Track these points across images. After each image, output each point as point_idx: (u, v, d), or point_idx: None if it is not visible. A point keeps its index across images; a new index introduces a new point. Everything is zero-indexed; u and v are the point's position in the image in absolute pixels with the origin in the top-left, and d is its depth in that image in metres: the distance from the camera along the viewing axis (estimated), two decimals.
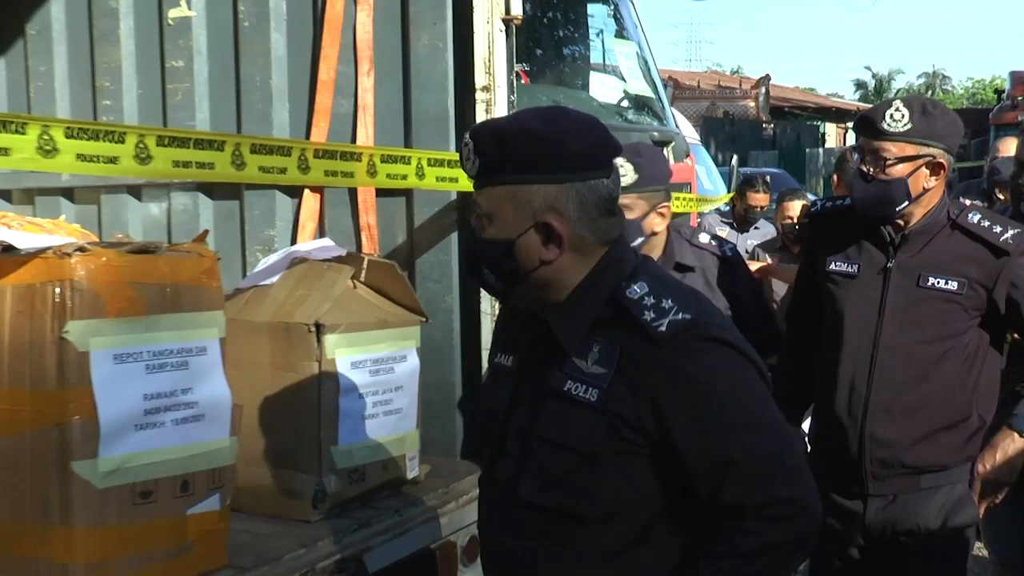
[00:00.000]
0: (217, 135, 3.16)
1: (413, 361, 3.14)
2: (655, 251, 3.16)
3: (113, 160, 2.41)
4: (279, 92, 3.82)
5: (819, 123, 34.75)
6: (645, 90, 6.40)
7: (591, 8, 6.29)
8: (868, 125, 2.75)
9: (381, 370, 3.00)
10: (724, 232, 6.61)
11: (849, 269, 2.83)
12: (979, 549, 4.87)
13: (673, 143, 6.18)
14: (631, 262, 1.92)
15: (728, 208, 7.54)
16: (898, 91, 51.65)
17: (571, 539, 1.88)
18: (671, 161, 6.09)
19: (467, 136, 1.88)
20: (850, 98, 47.53)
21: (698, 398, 1.79)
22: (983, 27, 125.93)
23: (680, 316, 1.80)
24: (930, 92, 52.42)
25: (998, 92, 21.43)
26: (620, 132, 5.69)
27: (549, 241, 1.83)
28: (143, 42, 4.10)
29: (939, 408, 2.74)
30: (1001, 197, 6.07)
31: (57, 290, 2.20)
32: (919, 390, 2.73)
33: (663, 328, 1.79)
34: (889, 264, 2.77)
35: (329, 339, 2.84)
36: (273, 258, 3.26)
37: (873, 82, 52.66)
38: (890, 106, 2.72)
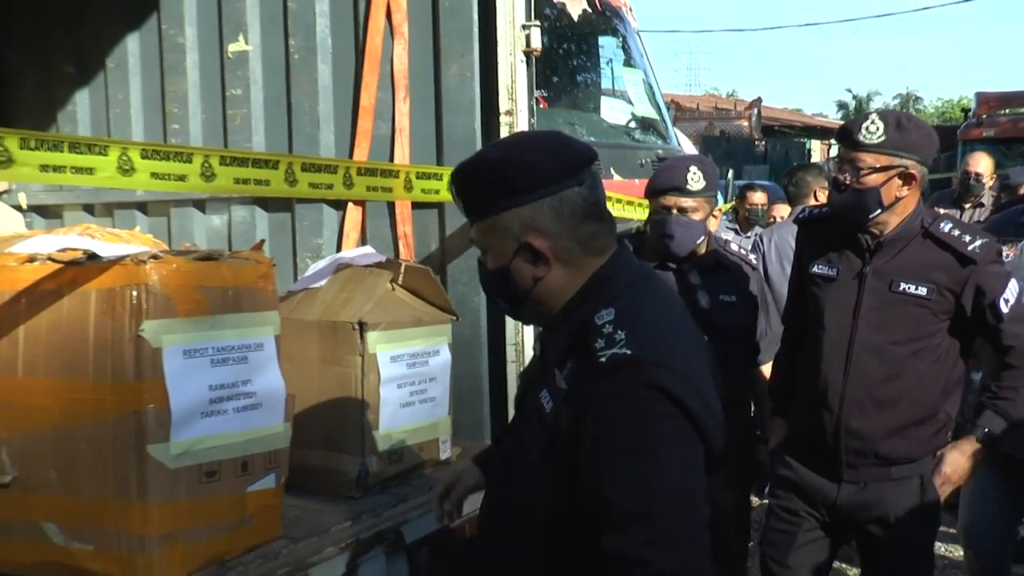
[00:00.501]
0: (272, 155, 3.18)
1: (445, 355, 3.15)
2: (701, 247, 3.18)
3: (182, 178, 2.43)
4: (325, 117, 3.83)
5: (805, 140, 34.47)
6: (651, 112, 6.39)
7: (602, 40, 6.28)
8: (846, 136, 2.68)
9: (417, 363, 3.01)
10: (729, 236, 6.61)
11: (829, 272, 2.77)
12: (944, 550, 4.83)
13: None
14: (619, 283, 1.78)
15: (731, 216, 7.52)
16: (875, 111, 51.33)
17: (521, 535, 1.79)
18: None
19: (449, 180, 1.82)
20: (833, 117, 47.18)
21: (604, 438, 1.63)
22: (952, 52, 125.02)
23: (623, 351, 1.64)
24: (904, 111, 51.98)
25: (965, 111, 21.27)
26: (628, 150, 5.74)
27: (536, 260, 1.74)
28: (206, 73, 4.13)
29: (910, 404, 2.68)
30: (967, 206, 6.04)
31: (134, 293, 2.21)
32: (891, 387, 2.67)
33: (604, 360, 1.65)
34: (865, 269, 2.70)
35: (371, 336, 2.84)
36: (321, 264, 3.28)
37: (853, 103, 52.19)
38: (867, 119, 2.65)
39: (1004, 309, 2.64)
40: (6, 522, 2.30)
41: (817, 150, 33.62)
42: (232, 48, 4.01)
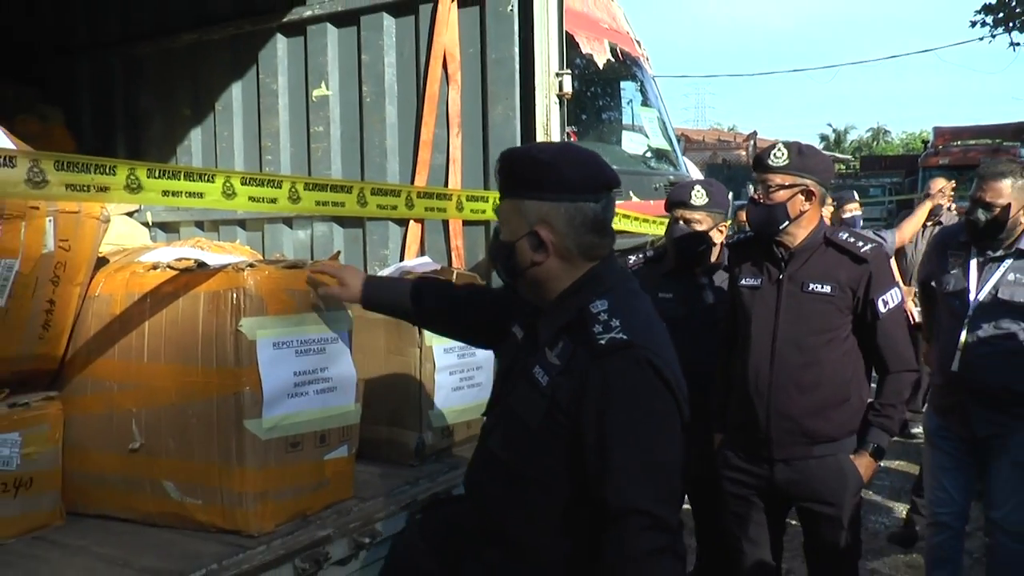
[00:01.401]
0: (347, 182, 3.19)
1: None
2: (713, 255, 3.25)
3: (273, 201, 2.44)
4: (391, 149, 3.83)
5: None
6: (664, 144, 6.37)
7: (623, 84, 6.27)
8: (759, 162, 2.69)
9: (466, 354, 3.00)
10: None
11: (754, 282, 2.77)
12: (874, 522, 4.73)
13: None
14: (609, 281, 1.79)
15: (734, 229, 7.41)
16: (851, 143, 50.38)
17: (514, 491, 1.79)
18: None
19: (497, 160, 1.85)
20: (816, 146, 46.35)
21: (606, 404, 1.65)
22: (915, 93, 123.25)
23: (619, 336, 1.67)
24: (875, 142, 51.00)
25: (925, 142, 21.17)
26: (645, 176, 5.72)
27: (539, 247, 1.76)
28: (295, 114, 4.15)
29: (827, 387, 2.66)
30: (928, 223, 5.89)
31: (234, 295, 2.24)
32: (809, 372, 2.65)
33: (603, 342, 1.67)
34: (781, 276, 2.70)
35: (428, 331, 2.84)
36: (386, 271, 3.29)
37: (833, 135, 51.33)
38: (774, 147, 2.67)
39: (882, 308, 2.64)
40: (136, 479, 2.33)
41: None
42: (316, 93, 4.03)
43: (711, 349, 2.98)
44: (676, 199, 3.22)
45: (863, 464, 2.70)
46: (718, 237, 3.24)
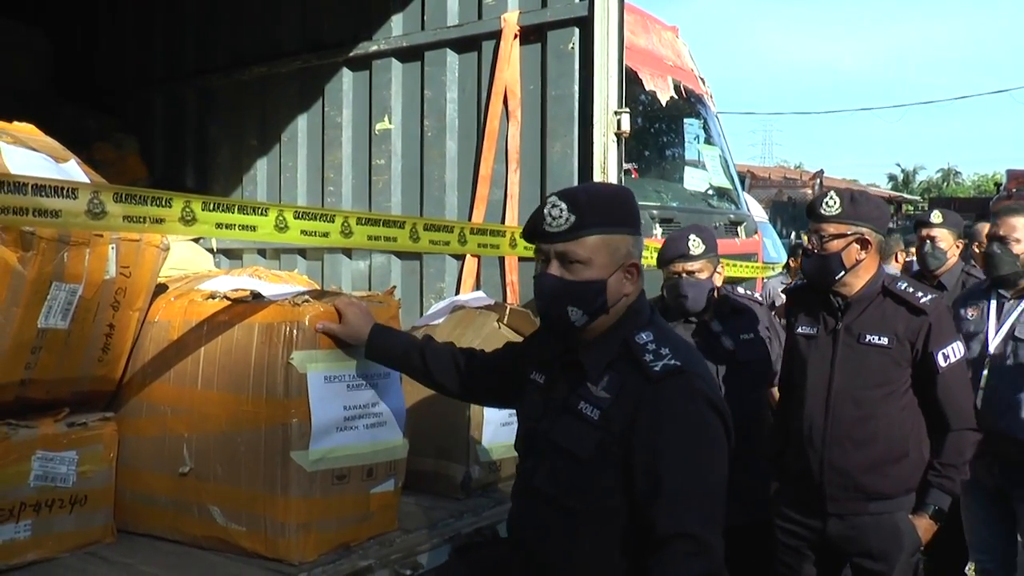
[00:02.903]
0: (399, 217, 3.22)
1: None
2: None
3: (325, 235, 2.46)
4: (451, 183, 3.87)
5: None
6: (725, 183, 6.28)
7: (687, 121, 6.22)
8: (811, 211, 2.63)
9: None
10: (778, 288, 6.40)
11: (811, 331, 2.69)
12: None
13: (745, 223, 6.06)
14: (646, 314, 1.85)
15: (785, 272, 7.23)
16: (920, 183, 49.19)
17: (564, 527, 1.80)
18: (743, 236, 5.99)
19: (555, 199, 1.79)
20: (884, 187, 45.47)
21: (659, 427, 1.68)
22: (987, 134, 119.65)
23: (672, 362, 1.72)
24: (945, 184, 49.75)
25: (997, 185, 20.58)
26: (705, 214, 5.65)
27: (634, 278, 1.82)
28: (357, 146, 4.22)
29: (883, 443, 2.57)
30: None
31: (287, 328, 2.25)
32: (865, 427, 2.57)
33: (657, 368, 1.72)
34: (838, 326, 2.63)
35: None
36: (440, 305, 3.29)
37: (901, 175, 50.24)
38: (826, 195, 2.61)
39: (941, 363, 2.54)
40: (184, 502, 2.36)
41: None
42: (378, 126, 4.09)
43: (742, 396, 2.94)
44: (674, 253, 3.11)
45: (923, 526, 2.59)
46: (718, 279, 3.22)
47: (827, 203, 2.58)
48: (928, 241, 4.00)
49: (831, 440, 2.60)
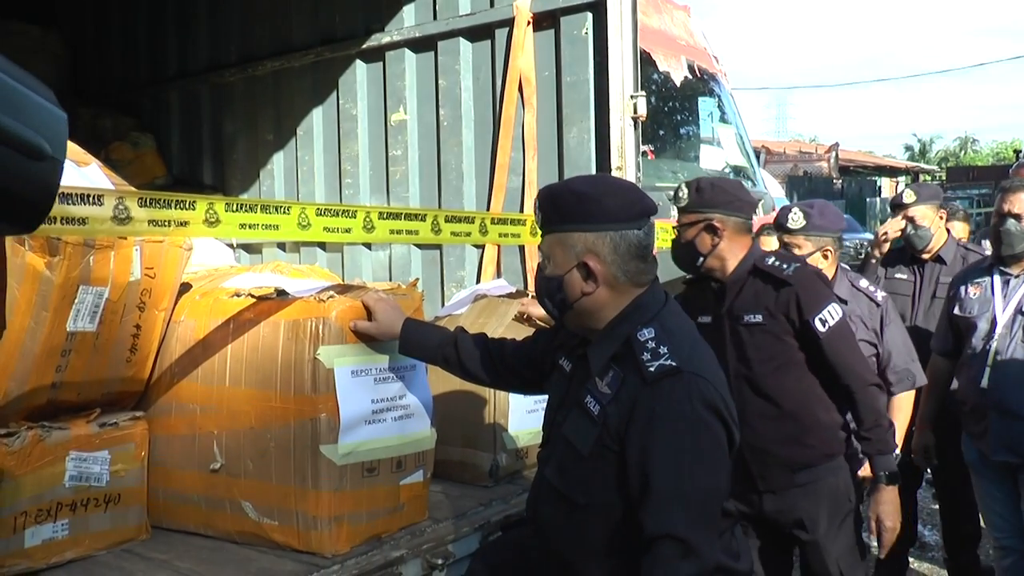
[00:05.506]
0: (421, 210, 3.21)
1: None
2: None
3: (348, 230, 2.45)
4: (468, 172, 3.86)
5: (876, 178, 32.98)
6: (741, 161, 6.24)
7: (701, 100, 6.18)
8: (674, 203, 2.69)
9: None
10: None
11: (706, 320, 2.66)
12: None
13: (762, 200, 6.01)
14: (654, 309, 1.82)
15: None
16: (937, 152, 48.55)
17: (569, 517, 1.82)
18: (761, 214, 5.94)
19: (536, 197, 1.88)
20: (901, 158, 45.01)
21: (651, 428, 1.68)
22: (1006, 101, 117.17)
23: (668, 362, 1.71)
24: (963, 152, 49.08)
25: (1016, 152, 20.18)
26: None
27: (588, 277, 1.79)
28: (374, 138, 4.22)
29: (789, 415, 2.55)
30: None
31: (314, 324, 2.26)
32: (768, 403, 2.56)
33: (652, 369, 1.71)
34: (722, 311, 2.63)
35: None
36: (462, 294, 3.29)
37: (918, 145, 49.61)
38: (678, 189, 2.64)
39: (820, 328, 2.51)
40: (216, 498, 2.38)
41: (887, 187, 32.17)
42: (394, 117, 4.08)
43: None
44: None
45: (884, 499, 2.57)
46: (822, 261, 3.14)
47: (679, 195, 2.64)
48: (908, 222, 3.89)
49: (742, 421, 2.58)
